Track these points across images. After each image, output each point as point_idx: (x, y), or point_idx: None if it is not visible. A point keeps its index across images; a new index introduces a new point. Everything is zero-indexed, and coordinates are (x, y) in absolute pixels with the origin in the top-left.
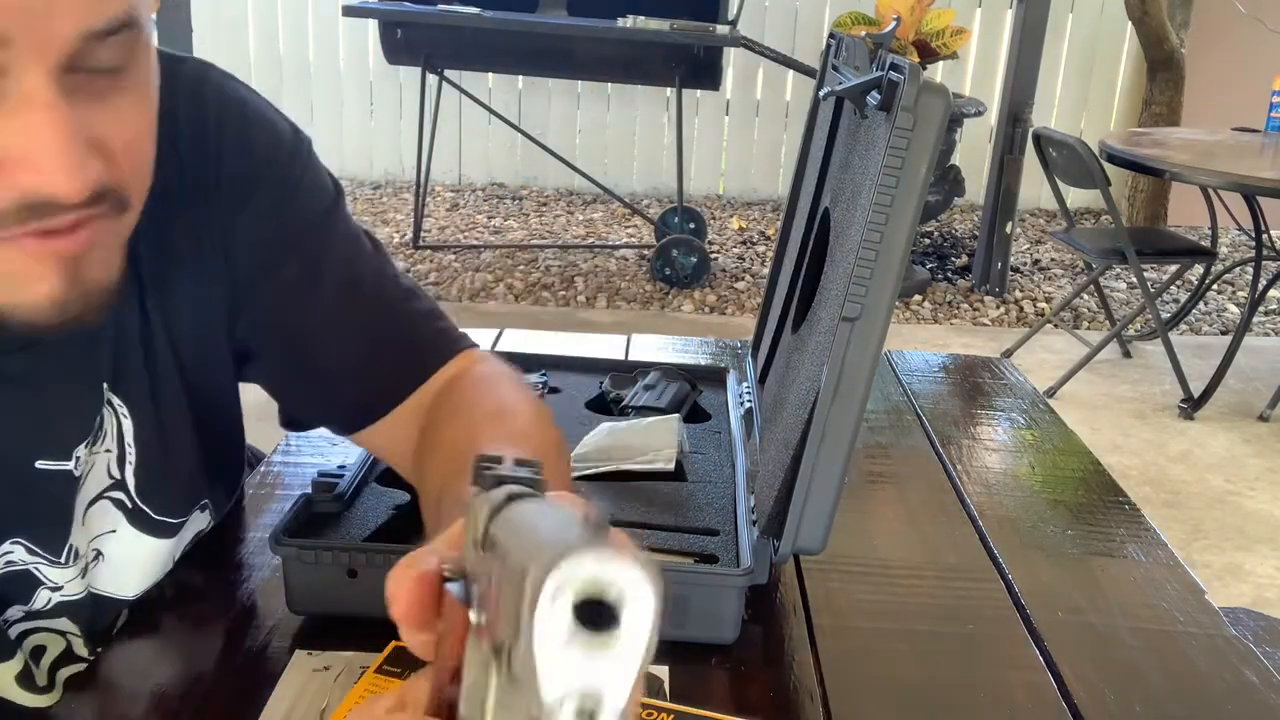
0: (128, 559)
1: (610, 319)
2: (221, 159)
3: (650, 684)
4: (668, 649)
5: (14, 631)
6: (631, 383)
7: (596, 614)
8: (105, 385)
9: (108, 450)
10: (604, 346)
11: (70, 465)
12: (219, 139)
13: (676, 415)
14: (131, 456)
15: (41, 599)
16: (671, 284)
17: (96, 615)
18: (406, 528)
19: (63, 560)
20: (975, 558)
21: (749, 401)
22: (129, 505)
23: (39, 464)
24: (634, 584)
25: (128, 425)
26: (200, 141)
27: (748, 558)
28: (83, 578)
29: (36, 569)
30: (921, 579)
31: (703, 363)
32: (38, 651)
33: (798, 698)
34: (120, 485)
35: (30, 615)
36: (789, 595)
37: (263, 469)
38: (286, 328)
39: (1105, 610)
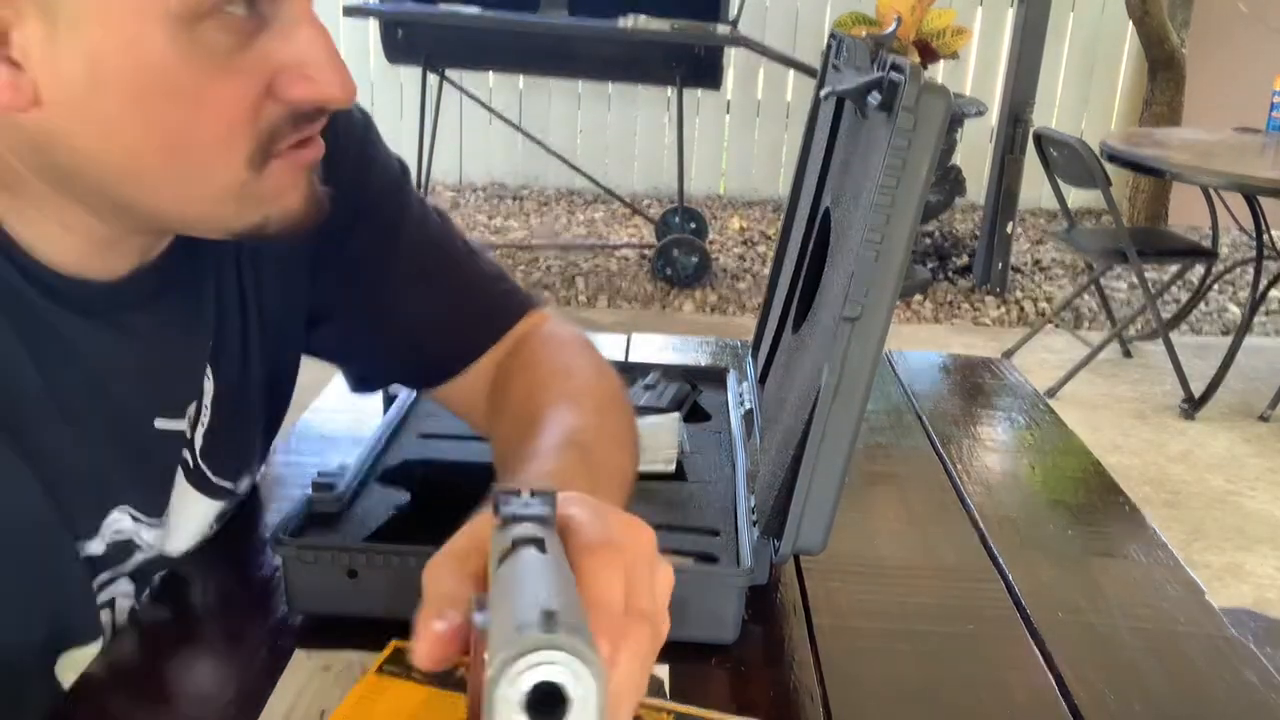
0: (184, 516)
1: (610, 319)
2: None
3: (650, 684)
4: (668, 649)
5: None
6: (631, 383)
7: (548, 700)
8: (211, 344)
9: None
10: (604, 346)
11: (184, 425)
12: None
13: (676, 415)
14: (206, 418)
15: (134, 563)
16: (672, 284)
17: (152, 569)
18: (406, 528)
19: (160, 521)
20: (975, 558)
21: (749, 401)
22: (190, 464)
23: (158, 423)
24: (580, 678)
25: (208, 385)
26: None
27: (748, 558)
28: (164, 539)
29: (138, 536)
30: (921, 579)
31: (703, 363)
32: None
33: (798, 698)
34: (188, 444)
35: (115, 579)
36: (789, 595)
37: (262, 469)
38: (368, 285)
39: (1105, 610)
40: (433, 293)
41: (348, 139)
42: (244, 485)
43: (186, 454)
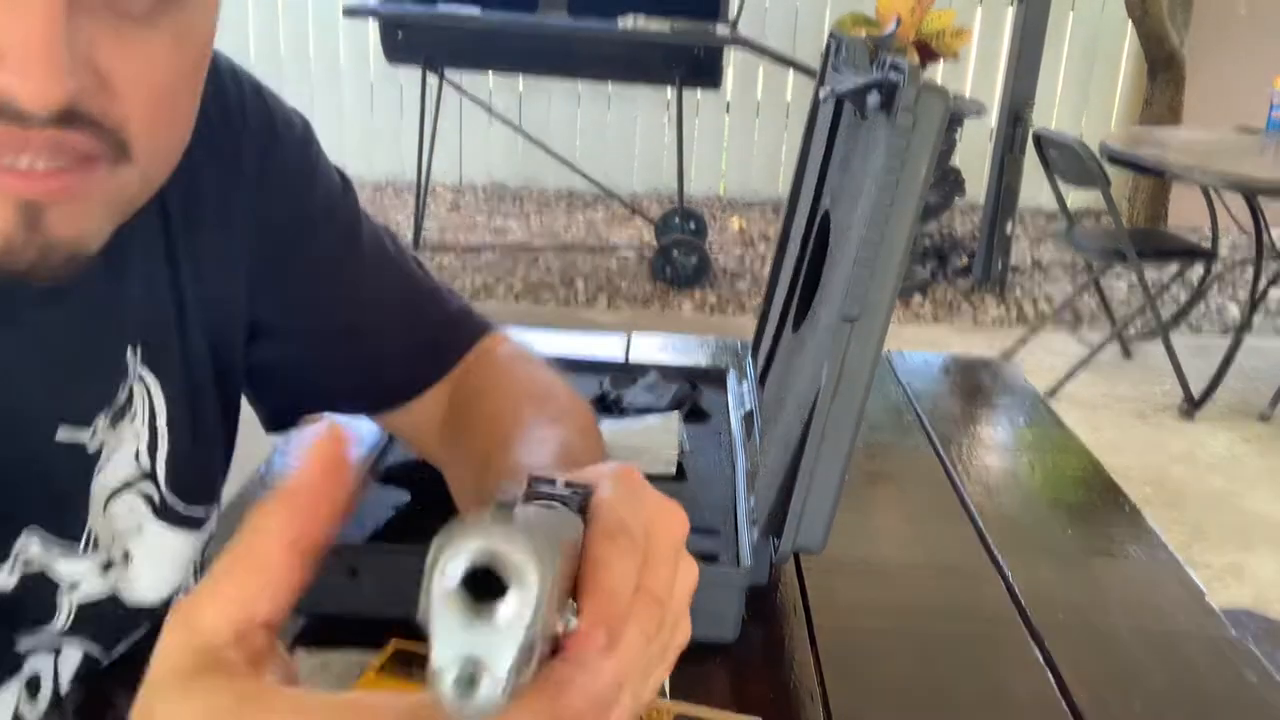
0: (155, 558)
1: (610, 319)
2: (245, 131)
3: None
4: None
5: (25, 654)
6: (631, 383)
7: (486, 588)
8: (130, 350)
9: (136, 434)
10: (604, 346)
11: (86, 437)
12: (242, 111)
13: (676, 415)
14: (164, 444)
15: (63, 612)
16: (671, 284)
17: (122, 626)
18: (406, 527)
19: (81, 547)
20: (975, 558)
21: (749, 401)
22: (157, 501)
23: (59, 436)
24: (519, 562)
25: (160, 404)
26: (225, 111)
27: (748, 557)
28: (104, 574)
29: (53, 570)
30: (921, 579)
31: (703, 363)
32: (33, 684)
33: (798, 698)
34: (149, 476)
35: (44, 639)
36: (789, 595)
37: (262, 469)
38: (314, 304)
39: (1105, 610)
40: (386, 312)
41: (289, 147)
42: (213, 513)
43: (152, 489)
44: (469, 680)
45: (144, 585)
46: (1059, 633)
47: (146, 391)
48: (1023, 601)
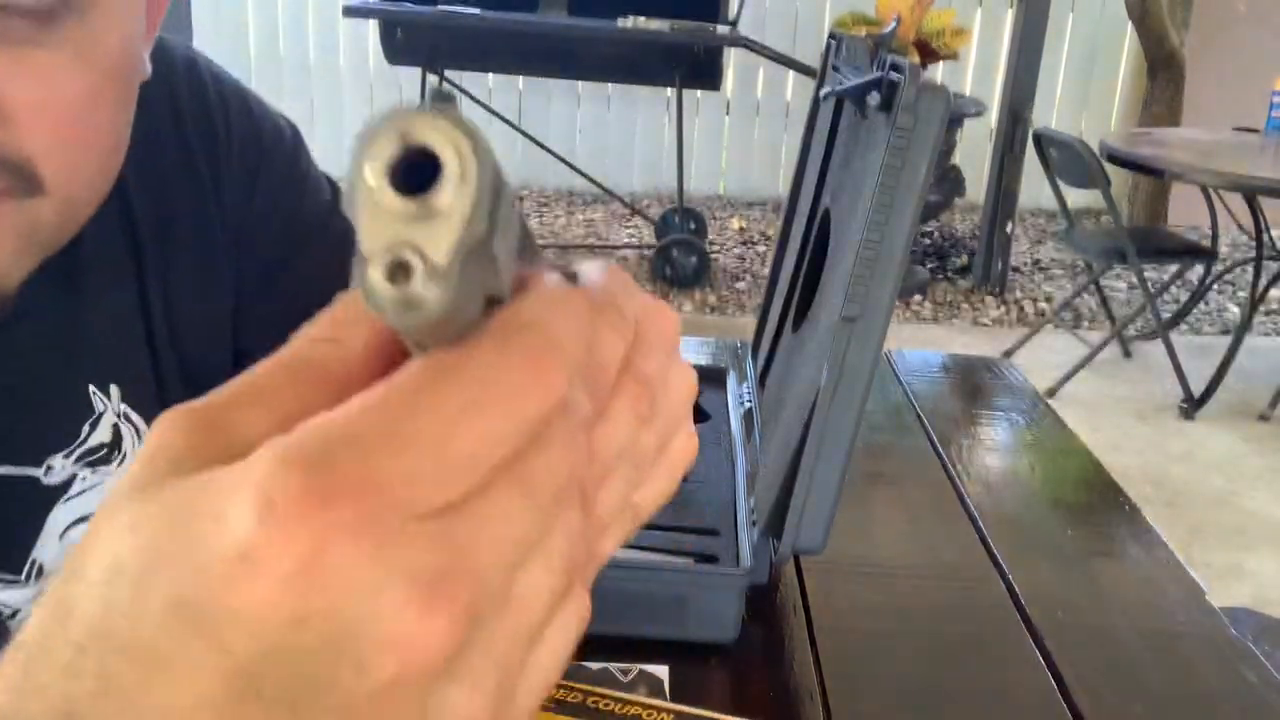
0: None
1: None
2: (230, 145)
3: (650, 684)
4: (668, 649)
5: None
6: None
7: (418, 174)
8: (99, 388)
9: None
10: None
11: (37, 471)
12: (226, 124)
13: None
14: None
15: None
16: (671, 284)
17: None
18: None
19: (22, 577)
20: (975, 558)
21: (749, 401)
22: None
23: (2, 469)
24: (451, 135)
25: (142, 435)
26: (207, 125)
27: (748, 558)
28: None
29: None
30: (921, 579)
31: (703, 363)
32: None
33: (798, 698)
34: None
35: None
36: (789, 595)
37: None
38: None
39: (1105, 610)
40: None
41: (278, 158)
42: None
43: None
44: (401, 267)
45: None
46: (1059, 633)
47: (135, 431)
48: (1023, 601)
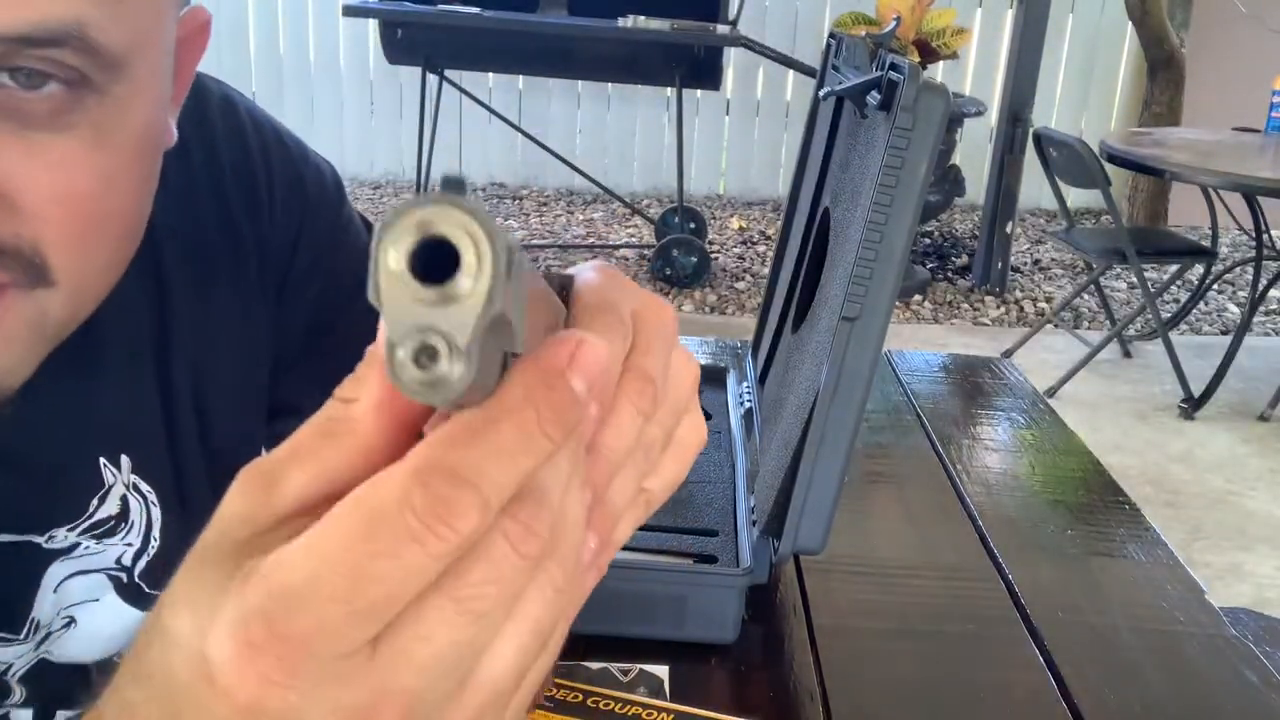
0: (102, 626)
1: None
2: (273, 197)
3: (650, 684)
4: (668, 649)
5: None
6: None
7: (438, 261)
8: (109, 460)
9: (128, 544)
10: None
11: (39, 539)
12: (268, 175)
13: None
14: (154, 547)
15: (15, 692)
16: (671, 284)
17: (52, 688)
18: None
19: (21, 636)
20: (975, 558)
21: (749, 401)
22: (124, 581)
23: (1, 537)
24: (468, 224)
25: (156, 514)
26: (247, 175)
27: (747, 558)
28: (36, 649)
29: None
30: (921, 579)
31: (703, 363)
32: None
33: (798, 698)
34: (125, 570)
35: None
36: (789, 595)
37: None
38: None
39: (1105, 610)
40: None
41: (321, 207)
42: None
43: (122, 575)
44: (427, 350)
45: (80, 648)
46: (1059, 633)
47: (143, 501)
48: (1023, 601)
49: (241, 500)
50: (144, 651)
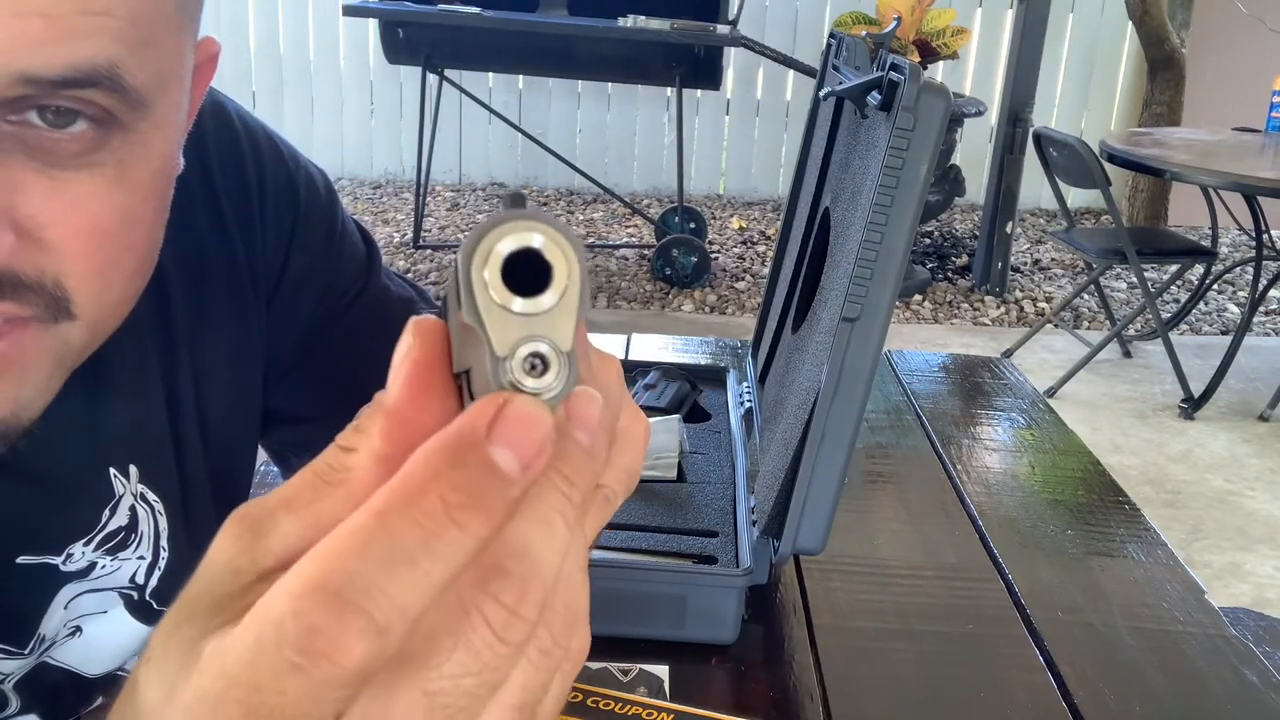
0: (109, 639)
1: (610, 319)
2: (265, 202)
3: (650, 684)
4: (668, 649)
5: None
6: (631, 383)
7: (528, 272)
8: (119, 472)
9: (140, 557)
10: (604, 346)
11: (57, 559)
12: (260, 179)
13: (676, 416)
14: (164, 560)
15: (12, 701)
16: (671, 284)
17: (47, 691)
18: None
19: (26, 650)
20: (975, 558)
21: (749, 401)
22: (135, 598)
23: (20, 559)
24: (552, 234)
25: (164, 524)
26: (240, 183)
27: (747, 558)
28: (37, 657)
29: None
30: (921, 579)
31: (703, 363)
32: None
33: (798, 698)
34: (137, 587)
35: None
36: (789, 595)
37: (262, 468)
38: (345, 389)
39: (1105, 610)
40: None
41: (314, 214)
42: None
43: (133, 592)
44: (539, 359)
45: (86, 659)
46: (1059, 633)
47: (150, 510)
48: (1023, 601)
49: (229, 547)
50: (124, 705)
